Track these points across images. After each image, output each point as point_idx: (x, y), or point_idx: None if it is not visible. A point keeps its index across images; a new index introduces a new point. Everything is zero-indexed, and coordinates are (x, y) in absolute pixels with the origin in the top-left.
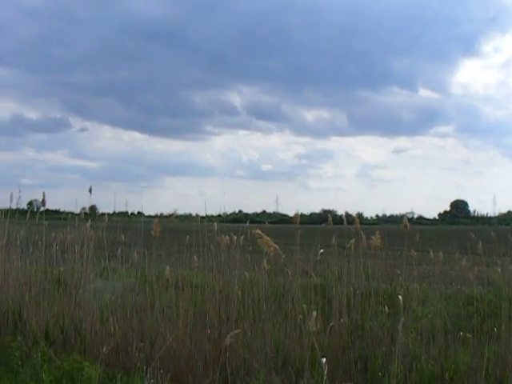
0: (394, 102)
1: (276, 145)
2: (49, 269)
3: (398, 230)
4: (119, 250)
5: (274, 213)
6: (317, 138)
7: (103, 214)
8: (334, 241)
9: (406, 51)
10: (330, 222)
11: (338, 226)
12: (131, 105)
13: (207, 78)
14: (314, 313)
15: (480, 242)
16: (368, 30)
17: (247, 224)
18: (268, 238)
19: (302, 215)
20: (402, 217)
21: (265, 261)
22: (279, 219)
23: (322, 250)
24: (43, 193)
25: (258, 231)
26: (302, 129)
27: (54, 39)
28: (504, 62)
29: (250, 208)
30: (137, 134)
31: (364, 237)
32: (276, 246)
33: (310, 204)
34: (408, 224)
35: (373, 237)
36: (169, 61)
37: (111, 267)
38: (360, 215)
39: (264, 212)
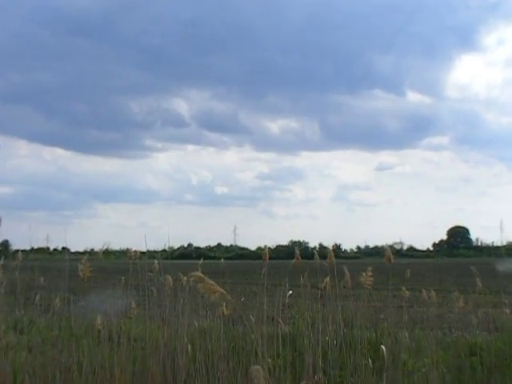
0: (377, 108)
1: (233, 163)
2: None
3: (382, 265)
4: (38, 297)
5: (231, 246)
6: (283, 154)
7: (17, 251)
8: (304, 280)
9: (389, 46)
10: (298, 257)
11: (310, 262)
12: (52, 115)
13: (146, 81)
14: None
15: (484, 278)
16: (343, 20)
17: (200, 261)
18: (211, 282)
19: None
20: (389, 248)
21: (224, 304)
22: (238, 254)
23: (290, 292)
24: None
25: (198, 274)
26: (264, 143)
27: None
28: (509, 56)
29: (202, 241)
30: (60, 151)
31: (347, 273)
32: (223, 290)
33: (276, 235)
34: (392, 257)
35: (364, 273)
36: (98, 60)
37: (28, 318)
38: (337, 247)
39: (219, 245)
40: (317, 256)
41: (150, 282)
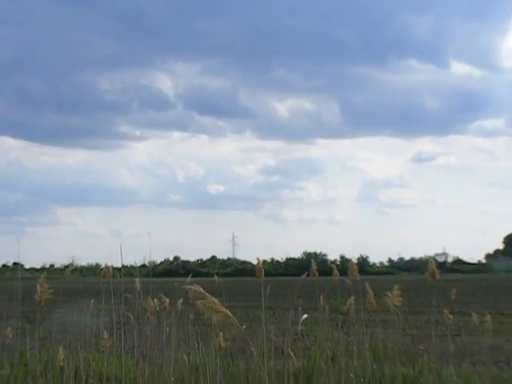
0: (413, 83)
1: (231, 154)
2: None
3: (422, 282)
4: None
5: (229, 260)
6: (294, 142)
7: None
8: (322, 301)
9: (427, 3)
10: (315, 273)
11: (328, 278)
12: None
13: (120, 51)
14: None
15: None
16: None
17: (188, 278)
18: (214, 300)
19: (273, 263)
20: (427, 261)
21: (221, 334)
22: (238, 269)
23: (305, 316)
24: None
25: (197, 288)
26: (270, 128)
27: None
28: None
29: (192, 253)
30: (9, 141)
31: (371, 292)
32: (227, 311)
33: (286, 245)
34: (437, 272)
35: (388, 293)
36: (58, 23)
37: None
38: (363, 260)
39: (214, 259)
40: (337, 271)
41: (126, 307)
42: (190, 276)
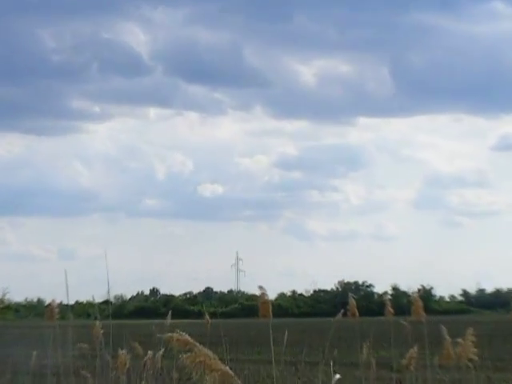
0: (498, 35)
1: (233, 139)
2: None
3: (511, 325)
4: None
5: (230, 293)
6: (324, 123)
7: None
8: (366, 353)
9: None
10: (355, 312)
11: (376, 319)
12: None
13: None
14: None
15: None
16: None
17: (167, 319)
18: (207, 352)
19: (295, 297)
20: None
21: None
22: (243, 307)
23: (337, 376)
24: None
25: (181, 336)
26: (290, 102)
27: None
28: None
29: (177, 284)
30: None
31: (449, 339)
32: (226, 368)
33: (313, 271)
34: None
35: (459, 340)
36: None
37: None
38: (426, 293)
39: (208, 292)
40: (390, 308)
41: (82, 362)
42: (169, 316)
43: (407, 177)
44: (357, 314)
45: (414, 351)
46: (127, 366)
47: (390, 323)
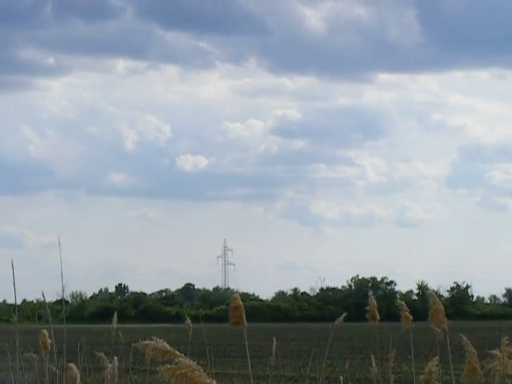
0: None
1: (221, 99)
2: None
3: None
4: None
5: (216, 291)
6: (336, 79)
7: None
8: (388, 365)
9: None
10: (375, 315)
11: (396, 325)
12: None
13: None
14: None
15: None
16: None
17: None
18: (190, 363)
19: (297, 296)
20: None
21: None
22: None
23: None
24: None
25: (158, 343)
26: (293, 53)
27: None
28: None
29: (150, 279)
30: None
31: (473, 351)
32: (213, 383)
33: (319, 264)
34: None
35: (496, 351)
36: None
37: None
38: (462, 292)
39: (189, 289)
40: (407, 313)
41: (29, 376)
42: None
43: (438, 148)
44: (377, 317)
45: (433, 364)
46: (78, 382)
47: (412, 329)
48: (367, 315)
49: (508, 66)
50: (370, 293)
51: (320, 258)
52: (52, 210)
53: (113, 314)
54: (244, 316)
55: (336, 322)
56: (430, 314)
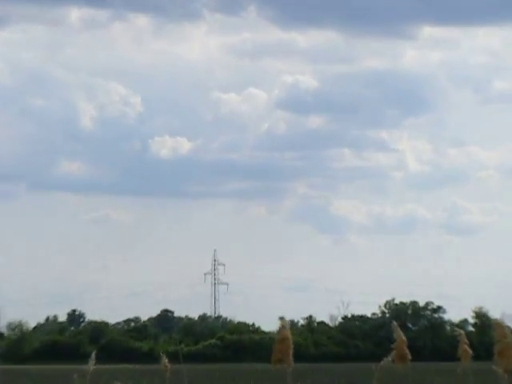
0: None
1: (207, 60)
2: None
3: None
4: None
5: (203, 320)
6: (362, 34)
7: None
8: None
9: None
10: (404, 352)
11: (445, 364)
12: None
13: None
14: None
15: None
16: None
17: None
18: None
19: (311, 326)
20: None
21: None
22: (224, 342)
23: None
24: None
25: None
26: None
27: None
28: None
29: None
30: None
31: None
32: None
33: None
34: None
35: None
36: None
37: None
38: None
39: (166, 318)
40: (466, 347)
41: None
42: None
43: (502, 128)
44: (408, 356)
45: None
46: None
47: (469, 370)
48: (392, 354)
49: None
50: (394, 323)
51: (343, 276)
52: None
53: (63, 351)
54: (291, 352)
55: (382, 363)
56: (495, 351)
